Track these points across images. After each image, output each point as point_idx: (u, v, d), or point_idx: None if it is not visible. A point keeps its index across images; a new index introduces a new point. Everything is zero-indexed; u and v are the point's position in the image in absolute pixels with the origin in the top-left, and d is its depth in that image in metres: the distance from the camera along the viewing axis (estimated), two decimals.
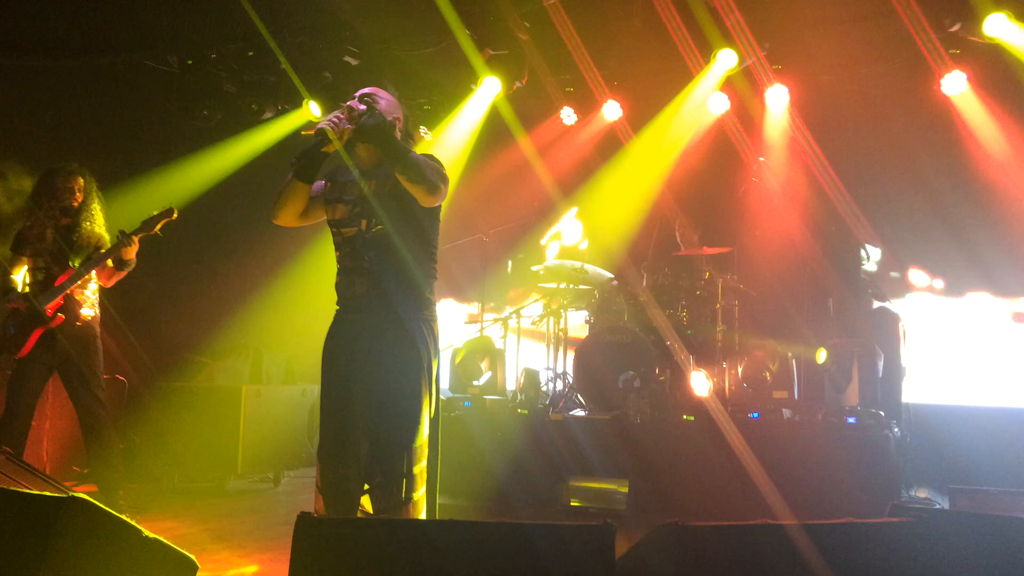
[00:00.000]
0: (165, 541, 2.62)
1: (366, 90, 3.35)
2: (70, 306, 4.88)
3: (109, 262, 4.95)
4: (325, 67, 7.07)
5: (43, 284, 4.88)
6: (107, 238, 5.08)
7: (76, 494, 2.56)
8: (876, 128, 7.05)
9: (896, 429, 5.54)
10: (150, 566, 2.61)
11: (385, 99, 3.34)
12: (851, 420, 5.44)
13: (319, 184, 3.35)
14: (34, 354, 4.85)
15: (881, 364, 5.92)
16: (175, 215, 4.98)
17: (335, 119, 3.17)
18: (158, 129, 7.18)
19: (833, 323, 6.37)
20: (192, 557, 2.67)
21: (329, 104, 7.26)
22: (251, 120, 7.44)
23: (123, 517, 2.58)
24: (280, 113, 7.46)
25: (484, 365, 7.33)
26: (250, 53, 7.03)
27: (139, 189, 6.71)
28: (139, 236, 4.91)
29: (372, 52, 6.99)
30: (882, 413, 5.53)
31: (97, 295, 5.07)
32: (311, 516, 2.36)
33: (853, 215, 6.72)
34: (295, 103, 7.30)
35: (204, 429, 6.36)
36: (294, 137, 7.66)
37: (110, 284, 5.13)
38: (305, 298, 7.73)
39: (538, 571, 2.36)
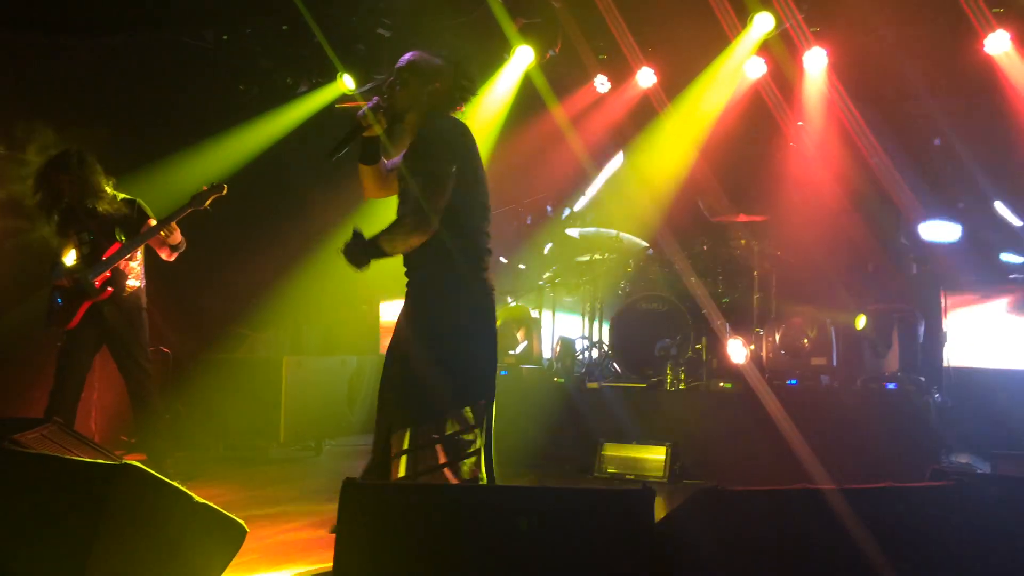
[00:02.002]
0: (215, 506, 2.69)
1: (403, 61, 3.33)
2: (117, 278, 4.96)
3: (163, 233, 4.98)
4: (358, 40, 7.09)
5: (89, 258, 4.96)
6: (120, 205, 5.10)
7: (128, 462, 2.64)
8: (916, 90, 6.90)
9: (937, 394, 5.49)
10: (201, 530, 2.68)
11: (422, 72, 3.29)
12: (891, 386, 5.40)
13: (396, 160, 3.40)
14: (82, 327, 4.93)
15: (922, 329, 5.86)
16: (225, 190, 5.02)
17: (371, 105, 3.24)
18: (196, 105, 7.24)
19: (873, 288, 6.30)
20: (241, 522, 2.74)
21: (362, 77, 7.28)
22: (286, 94, 7.49)
23: (174, 483, 2.66)
24: (314, 87, 7.50)
25: (520, 335, 7.37)
26: (284, 27, 7.06)
27: (178, 165, 6.79)
28: (182, 216, 4.95)
29: (404, 23, 6.97)
30: (923, 379, 5.48)
31: (142, 266, 5.15)
32: (356, 482, 2.42)
33: (892, 180, 6.62)
34: (329, 76, 7.33)
35: (247, 399, 6.49)
36: (329, 110, 7.70)
37: (171, 259, 5.20)
38: (341, 271, 7.79)
39: (578, 536, 2.39)
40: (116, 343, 5.04)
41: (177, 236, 5.02)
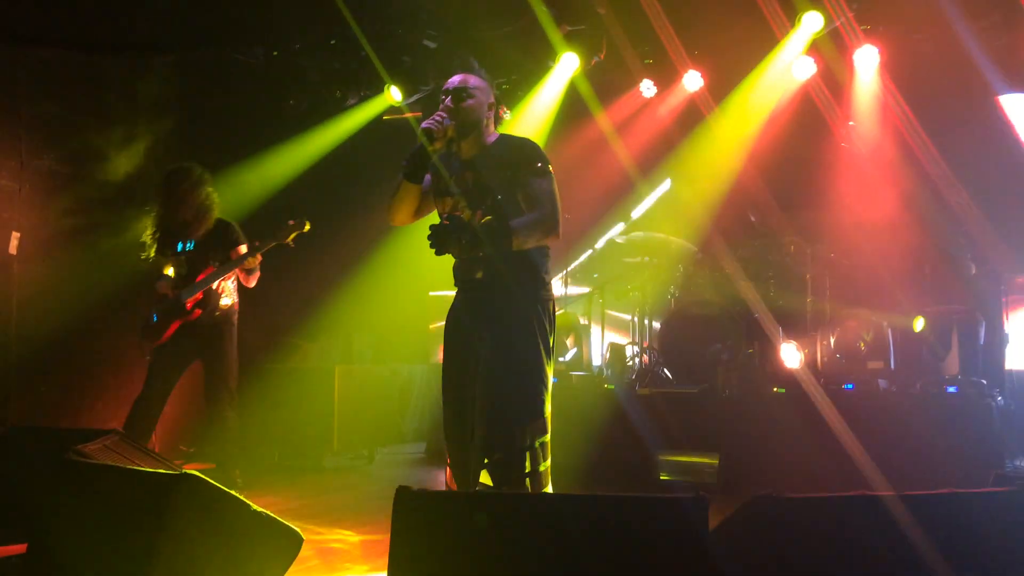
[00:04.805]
0: (272, 515, 2.74)
1: (456, 82, 3.32)
2: (208, 299, 5.10)
3: (252, 261, 5.09)
4: (405, 51, 7.16)
5: (186, 279, 5.11)
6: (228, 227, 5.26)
7: (188, 471, 2.70)
8: (971, 88, 6.73)
9: (999, 397, 5.35)
10: (258, 538, 2.73)
11: (479, 88, 3.32)
12: (951, 389, 5.27)
13: (425, 180, 3.40)
14: (172, 343, 5.08)
15: (983, 331, 5.71)
16: (307, 227, 5.09)
17: (437, 119, 3.20)
18: (247, 119, 7.39)
19: (930, 290, 6.15)
20: (297, 530, 2.78)
21: (409, 88, 7.35)
22: (335, 107, 7.60)
23: (232, 492, 2.71)
24: (363, 99, 7.59)
25: (569, 341, 7.37)
26: (332, 41, 7.17)
27: (232, 179, 6.93)
28: (267, 248, 5.07)
29: (450, 34, 7.03)
30: (984, 381, 5.34)
31: (235, 283, 5.27)
32: (410, 489, 2.44)
33: (947, 180, 6.47)
34: (377, 89, 7.41)
35: (300, 408, 6.59)
36: (377, 122, 7.79)
37: (250, 285, 5.28)
38: (391, 281, 7.90)
39: (632, 543, 2.38)
40: (205, 359, 5.19)
41: (254, 262, 5.13)
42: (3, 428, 4.37)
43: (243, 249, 5.20)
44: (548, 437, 3.17)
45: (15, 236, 6.03)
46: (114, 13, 6.34)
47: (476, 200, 3.24)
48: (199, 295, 5.06)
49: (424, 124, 3.18)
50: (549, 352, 3.24)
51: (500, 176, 3.23)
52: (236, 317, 5.27)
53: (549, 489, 3.16)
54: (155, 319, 5.09)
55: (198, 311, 5.07)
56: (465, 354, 3.27)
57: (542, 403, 3.16)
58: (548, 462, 3.16)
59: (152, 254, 5.21)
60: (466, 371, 3.24)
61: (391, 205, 3.38)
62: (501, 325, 3.20)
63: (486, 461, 3.09)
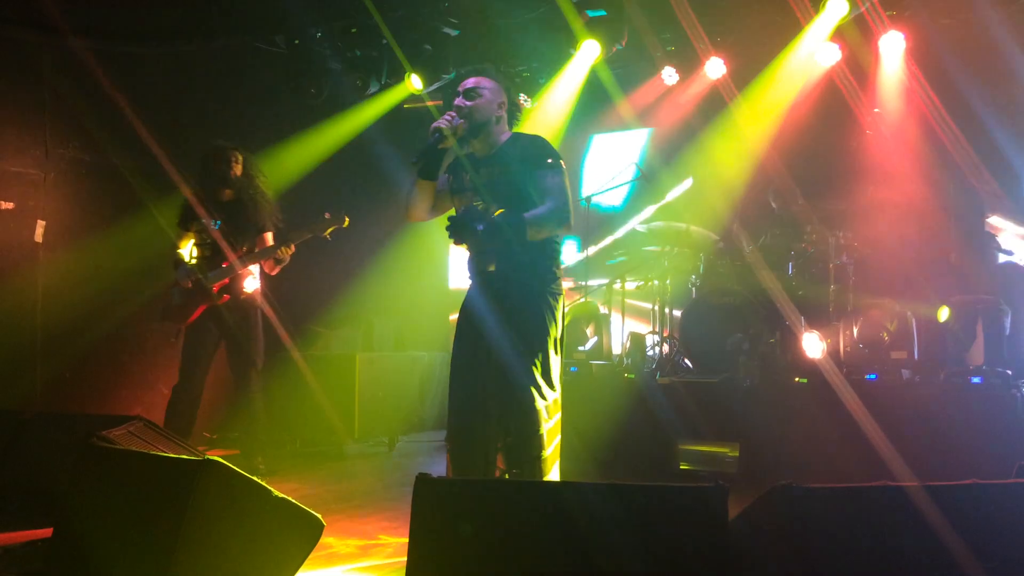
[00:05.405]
0: (294, 501, 2.76)
1: (469, 83, 3.41)
2: (234, 283, 5.13)
3: (284, 251, 5.13)
4: (425, 39, 7.14)
5: (210, 260, 5.13)
6: (269, 214, 5.30)
7: (211, 457, 2.73)
8: (999, 74, 6.62)
9: None
10: (280, 524, 2.75)
11: (488, 88, 3.41)
12: (976, 380, 5.22)
13: (443, 178, 3.51)
14: (201, 322, 5.13)
15: (1008, 321, 5.64)
16: (347, 223, 5.11)
17: (448, 117, 3.30)
18: (270, 108, 7.41)
19: (955, 279, 6.08)
20: (319, 516, 2.80)
21: (430, 76, 7.34)
22: (356, 95, 7.60)
23: (254, 479, 2.73)
24: (383, 87, 7.58)
25: (589, 331, 7.35)
26: (353, 30, 7.16)
27: None
28: (301, 240, 5.09)
29: (471, 22, 7.01)
30: (1009, 372, 5.28)
31: (259, 266, 5.31)
32: (430, 477, 2.45)
33: (974, 168, 6.37)
34: (398, 77, 7.40)
35: (322, 396, 6.62)
36: (398, 110, 7.79)
37: (273, 273, 5.33)
38: (412, 269, 7.91)
39: (651, 532, 2.38)
40: (231, 341, 5.23)
41: (287, 253, 5.17)
42: (28, 414, 4.42)
43: (269, 238, 5.22)
44: (555, 425, 3.27)
45: (40, 224, 6.09)
46: (136, 2, 6.37)
47: (491, 195, 3.33)
48: (226, 280, 5.09)
49: (436, 123, 3.30)
50: (557, 342, 3.35)
51: (513, 172, 3.33)
52: (260, 298, 5.31)
53: (554, 475, 3.25)
54: (177, 300, 5.12)
55: (226, 296, 5.10)
56: (474, 344, 3.37)
57: (548, 391, 3.26)
58: (554, 449, 3.25)
59: (177, 222, 5.25)
60: (474, 361, 3.35)
61: (407, 202, 3.51)
62: (513, 315, 3.30)
63: (499, 445, 3.22)
